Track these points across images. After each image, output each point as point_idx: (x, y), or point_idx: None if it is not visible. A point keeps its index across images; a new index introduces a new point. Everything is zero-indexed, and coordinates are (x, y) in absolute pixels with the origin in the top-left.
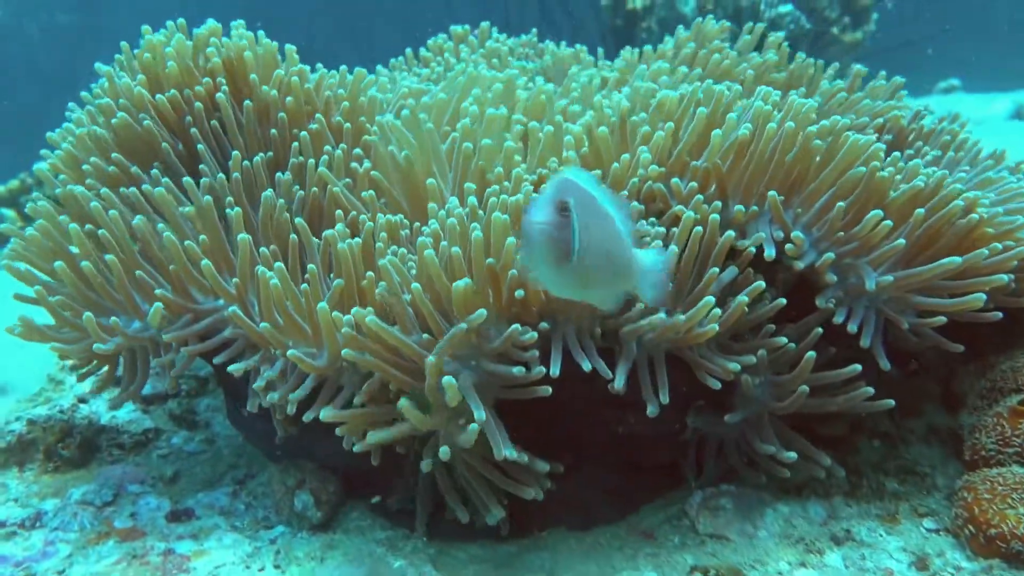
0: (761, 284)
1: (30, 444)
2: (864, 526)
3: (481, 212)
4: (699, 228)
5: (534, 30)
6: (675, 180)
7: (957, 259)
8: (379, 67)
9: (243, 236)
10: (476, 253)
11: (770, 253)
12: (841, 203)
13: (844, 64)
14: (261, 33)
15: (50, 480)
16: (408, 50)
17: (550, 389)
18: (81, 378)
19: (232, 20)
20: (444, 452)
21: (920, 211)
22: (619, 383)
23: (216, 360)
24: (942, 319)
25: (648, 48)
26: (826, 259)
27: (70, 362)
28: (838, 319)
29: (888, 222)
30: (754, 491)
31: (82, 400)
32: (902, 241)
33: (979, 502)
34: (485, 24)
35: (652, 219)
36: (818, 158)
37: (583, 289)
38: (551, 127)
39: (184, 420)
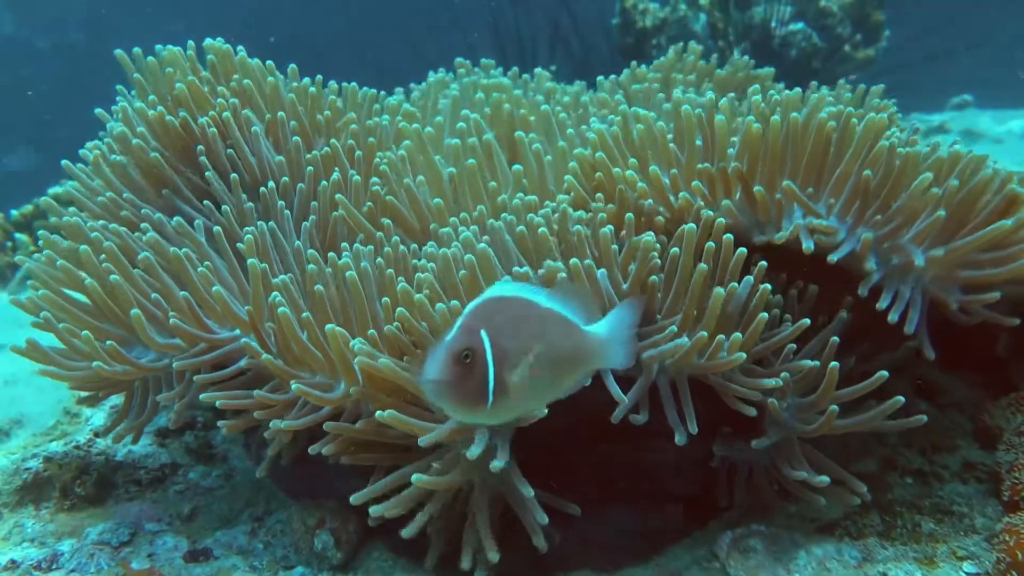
0: (767, 286)
1: (46, 482)
2: (901, 569)
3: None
4: (711, 243)
5: (539, 70)
6: (696, 183)
7: (1007, 222)
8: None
9: (253, 261)
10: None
11: (808, 246)
12: (868, 171)
13: (856, 81)
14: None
15: (66, 518)
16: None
17: (546, 410)
18: (81, 401)
19: (237, 36)
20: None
21: (954, 181)
22: (617, 415)
23: (203, 397)
24: (995, 295)
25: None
26: (865, 240)
27: (83, 394)
28: (882, 304)
29: (936, 189)
30: (786, 531)
31: (98, 435)
32: (942, 212)
33: (1022, 546)
34: (487, 61)
35: (650, 233)
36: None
37: (523, 409)
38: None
39: (201, 454)
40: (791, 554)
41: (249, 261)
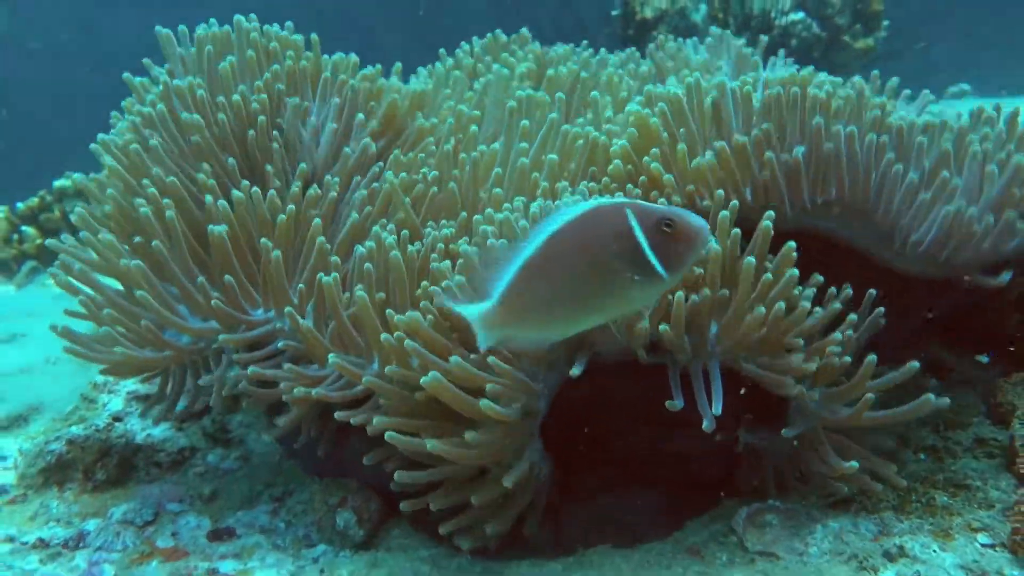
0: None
1: (69, 464)
2: (917, 542)
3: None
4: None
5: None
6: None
7: None
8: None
9: (272, 249)
10: None
11: None
12: None
13: (856, 70)
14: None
15: (90, 499)
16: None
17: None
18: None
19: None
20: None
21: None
22: (707, 426)
23: (236, 357)
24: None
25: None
26: None
27: (102, 378)
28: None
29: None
30: (801, 506)
31: (117, 419)
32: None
33: None
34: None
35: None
36: None
37: None
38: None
39: (218, 438)
40: (808, 528)
41: (269, 250)
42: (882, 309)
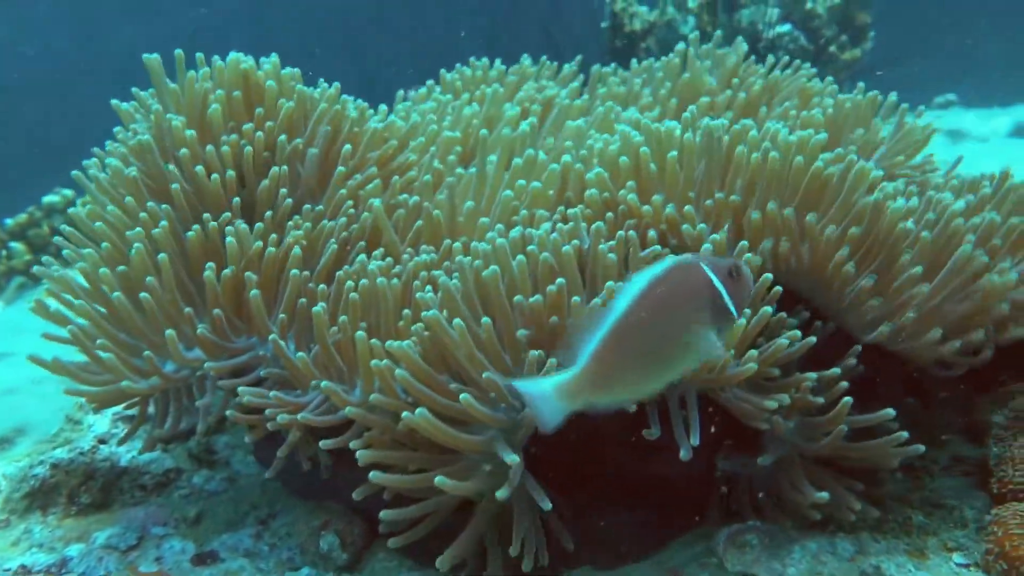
0: (769, 310)
1: (53, 488)
2: (893, 562)
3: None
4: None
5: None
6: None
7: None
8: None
9: (253, 288)
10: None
11: None
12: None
13: (843, 81)
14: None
15: (73, 524)
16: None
17: None
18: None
19: (229, 46)
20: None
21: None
22: (684, 456)
23: (222, 383)
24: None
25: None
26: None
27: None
28: None
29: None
30: (780, 527)
31: (102, 441)
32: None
33: (1010, 537)
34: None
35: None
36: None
37: None
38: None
39: (203, 459)
40: (786, 548)
41: (247, 288)
42: (862, 367)
